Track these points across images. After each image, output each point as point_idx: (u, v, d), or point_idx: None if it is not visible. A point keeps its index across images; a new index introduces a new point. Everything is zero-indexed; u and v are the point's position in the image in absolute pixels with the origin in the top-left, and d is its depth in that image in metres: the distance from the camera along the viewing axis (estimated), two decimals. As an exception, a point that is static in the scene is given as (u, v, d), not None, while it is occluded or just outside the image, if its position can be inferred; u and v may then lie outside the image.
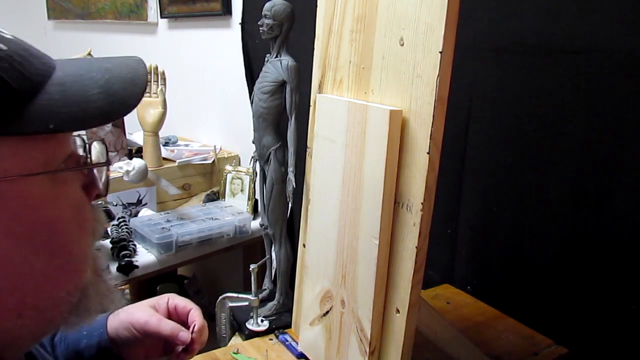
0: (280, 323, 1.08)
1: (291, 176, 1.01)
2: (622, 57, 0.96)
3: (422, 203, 0.66)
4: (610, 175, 1.00)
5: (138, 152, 2.03)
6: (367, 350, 0.75)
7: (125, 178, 1.68)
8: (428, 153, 0.65)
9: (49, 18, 3.38)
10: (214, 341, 1.17)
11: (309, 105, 0.97)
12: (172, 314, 0.72)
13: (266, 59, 1.09)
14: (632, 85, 0.95)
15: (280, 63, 1.04)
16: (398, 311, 0.72)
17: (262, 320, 1.08)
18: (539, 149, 1.10)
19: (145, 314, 0.69)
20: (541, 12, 1.06)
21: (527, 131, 1.12)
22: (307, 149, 0.96)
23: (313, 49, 0.91)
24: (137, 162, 1.69)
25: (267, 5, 1.06)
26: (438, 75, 0.63)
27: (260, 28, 1.06)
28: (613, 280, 1.02)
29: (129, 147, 2.05)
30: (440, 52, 0.63)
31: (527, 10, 1.08)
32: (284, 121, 1.06)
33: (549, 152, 1.09)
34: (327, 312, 0.86)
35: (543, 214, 1.12)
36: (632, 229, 0.98)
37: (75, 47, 2.30)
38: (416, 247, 0.68)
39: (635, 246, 0.98)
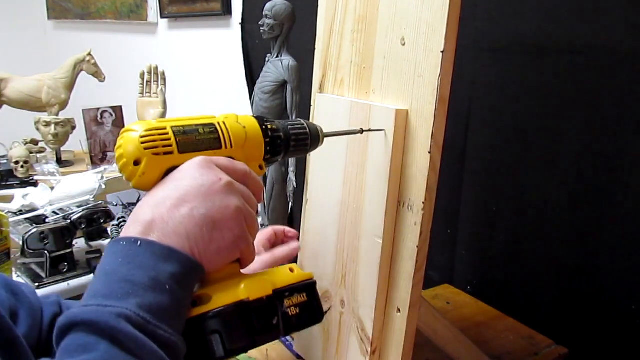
0: (281, 323, 1.08)
1: (292, 176, 1.01)
2: (622, 57, 0.96)
3: (423, 202, 0.66)
4: (610, 175, 1.00)
5: (138, 152, 2.03)
6: (369, 350, 0.75)
7: (125, 178, 1.68)
8: (429, 152, 0.65)
9: (49, 18, 3.38)
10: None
11: (310, 105, 0.97)
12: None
13: (267, 58, 1.09)
14: (632, 85, 0.95)
15: (281, 63, 1.04)
16: (399, 311, 0.71)
17: (262, 320, 1.08)
18: (539, 149, 1.10)
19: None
20: (541, 12, 1.06)
21: (527, 131, 1.12)
22: (308, 149, 0.96)
23: (313, 48, 0.91)
24: (137, 162, 1.69)
25: (268, 5, 1.06)
26: (440, 75, 0.63)
27: (261, 28, 1.06)
28: (613, 280, 1.02)
29: (128, 147, 2.05)
30: (442, 52, 0.63)
31: (527, 10, 1.08)
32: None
33: (549, 152, 1.09)
34: (325, 312, 0.85)
35: (543, 213, 1.12)
36: (632, 229, 0.98)
37: (75, 48, 2.30)
38: (417, 247, 0.68)
39: (635, 246, 0.98)
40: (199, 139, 0.51)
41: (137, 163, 0.48)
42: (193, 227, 0.46)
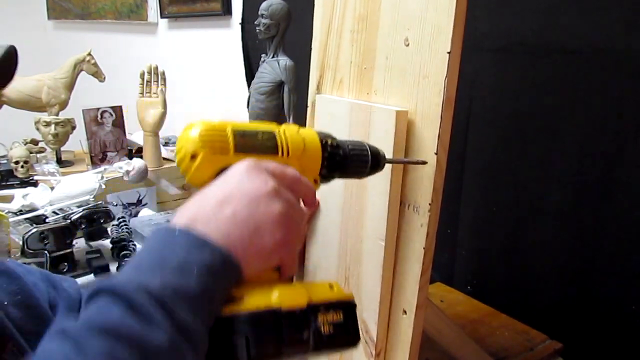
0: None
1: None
2: (622, 57, 0.96)
3: (429, 204, 0.66)
4: (610, 175, 1.01)
5: (138, 152, 2.03)
6: (373, 352, 0.74)
7: (125, 178, 1.68)
8: (436, 154, 0.65)
9: (49, 18, 3.37)
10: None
11: (307, 106, 0.97)
12: None
13: (262, 59, 1.08)
14: (632, 85, 0.96)
15: (278, 63, 1.04)
16: (405, 312, 0.71)
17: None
18: (539, 149, 1.11)
19: None
20: (541, 12, 1.06)
21: (527, 131, 1.13)
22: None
23: (310, 48, 0.90)
24: (137, 162, 1.69)
25: (264, 4, 1.05)
26: (446, 76, 0.63)
27: (257, 28, 1.06)
28: (613, 280, 1.02)
29: (129, 147, 2.05)
30: (449, 53, 0.62)
31: (527, 10, 1.08)
32: (281, 122, 1.06)
33: (549, 152, 1.09)
34: None
35: (543, 213, 1.12)
36: (632, 229, 0.99)
37: (75, 47, 2.29)
38: (424, 248, 0.67)
39: (635, 246, 0.98)
40: (257, 143, 0.52)
41: (193, 157, 0.50)
42: (234, 228, 0.47)
